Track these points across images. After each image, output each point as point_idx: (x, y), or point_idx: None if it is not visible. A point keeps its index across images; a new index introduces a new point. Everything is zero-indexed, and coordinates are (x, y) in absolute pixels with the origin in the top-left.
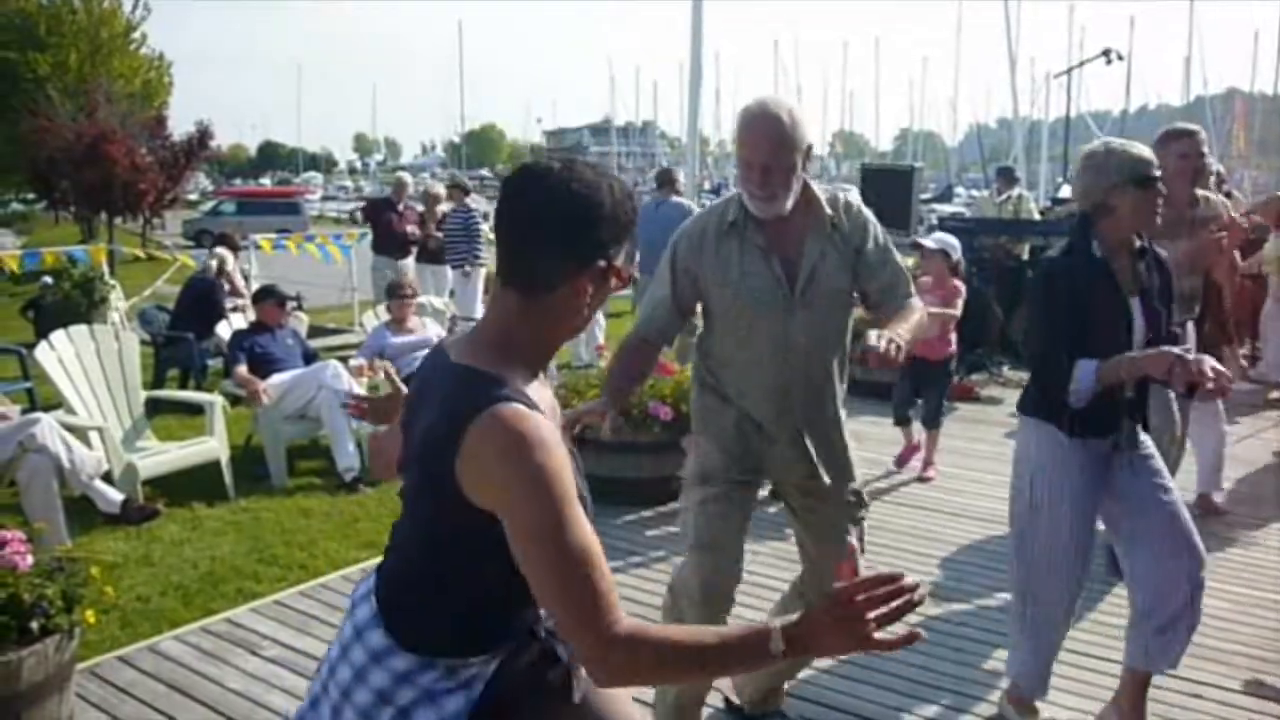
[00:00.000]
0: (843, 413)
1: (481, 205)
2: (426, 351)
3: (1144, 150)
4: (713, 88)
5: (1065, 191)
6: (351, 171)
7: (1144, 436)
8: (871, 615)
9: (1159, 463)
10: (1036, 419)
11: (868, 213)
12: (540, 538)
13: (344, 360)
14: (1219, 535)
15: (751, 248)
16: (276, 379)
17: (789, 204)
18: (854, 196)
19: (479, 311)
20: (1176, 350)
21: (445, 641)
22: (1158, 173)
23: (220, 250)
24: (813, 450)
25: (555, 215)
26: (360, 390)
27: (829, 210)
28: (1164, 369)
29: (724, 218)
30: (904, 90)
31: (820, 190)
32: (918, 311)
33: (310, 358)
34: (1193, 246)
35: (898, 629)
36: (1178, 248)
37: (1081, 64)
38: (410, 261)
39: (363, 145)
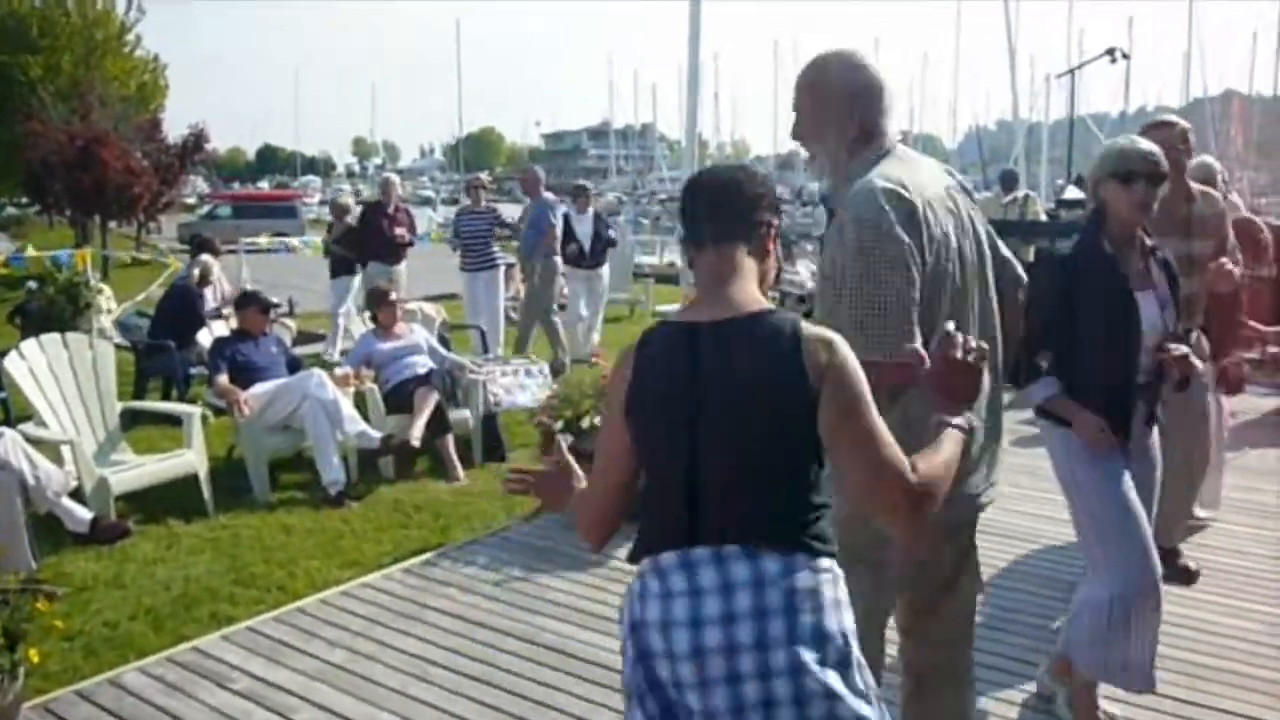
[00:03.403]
0: None
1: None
2: (416, 357)
3: (1134, 146)
4: (711, 90)
5: (1070, 193)
6: (350, 175)
7: (1155, 439)
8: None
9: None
10: (1051, 422)
11: (859, 209)
12: (872, 407)
13: (331, 368)
14: (1212, 546)
15: None
16: (259, 389)
17: (825, 164)
18: None
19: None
20: (1102, 424)
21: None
22: (1143, 168)
23: (204, 258)
24: None
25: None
26: (346, 400)
27: None
28: (1085, 433)
29: None
30: (904, 92)
31: (862, 181)
32: None
33: (295, 366)
34: (1205, 283)
35: None
36: (1169, 245)
37: (1085, 64)
38: (403, 266)
39: (361, 148)
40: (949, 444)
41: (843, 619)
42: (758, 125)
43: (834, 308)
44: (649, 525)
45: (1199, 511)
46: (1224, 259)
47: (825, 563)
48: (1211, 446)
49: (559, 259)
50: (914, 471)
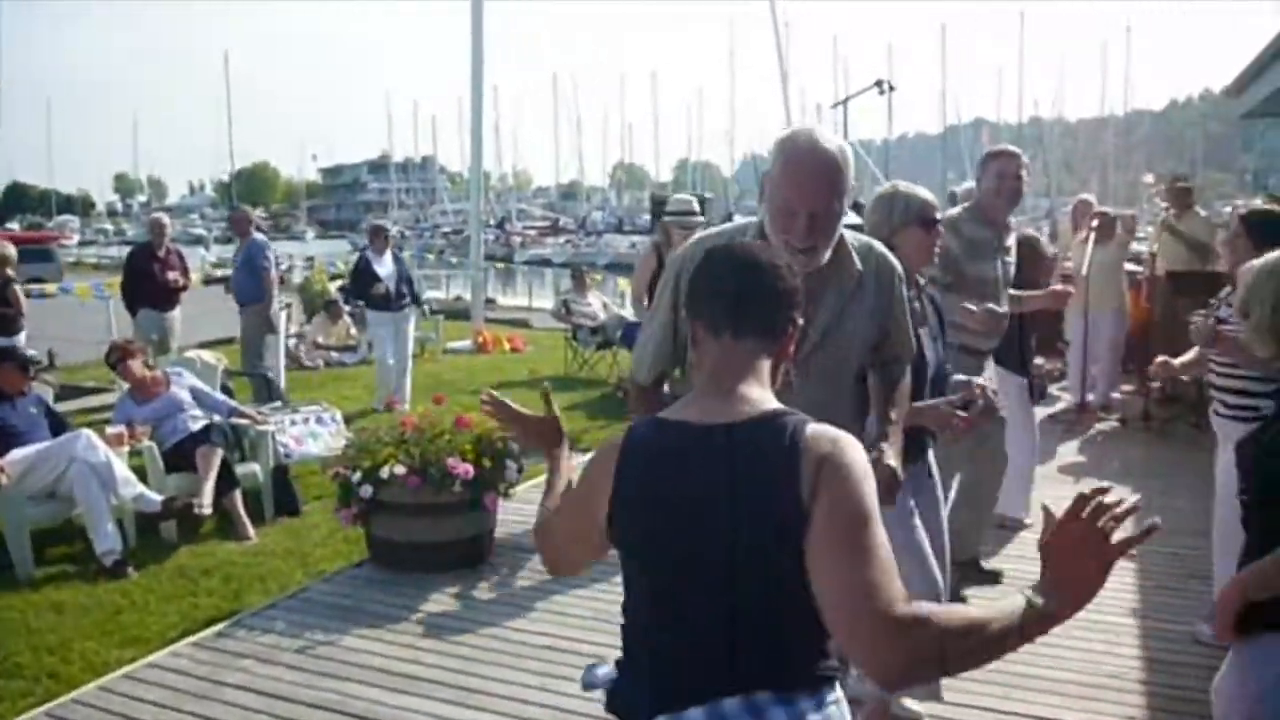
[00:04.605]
0: None
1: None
2: (184, 414)
3: (928, 194)
4: (492, 122)
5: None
6: (112, 214)
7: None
8: (1104, 524)
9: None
10: None
11: (899, 268)
12: (870, 514)
13: (101, 426)
14: (1014, 555)
15: None
16: (18, 454)
17: (827, 256)
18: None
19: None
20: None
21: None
22: (936, 214)
23: None
24: None
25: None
26: (120, 461)
27: (859, 263)
28: (942, 422)
29: None
30: (682, 122)
31: (852, 237)
32: (905, 391)
33: (59, 428)
34: (1044, 300)
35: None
36: (989, 268)
37: (856, 94)
38: (177, 312)
39: (124, 185)
40: (1000, 614)
41: None
42: (539, 157)
43: None
44: (659, 668)
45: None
46: (1056, 284)
47: (839, 690)
48: (1028, 455)
49: (277, 301)
50: (910, 605)
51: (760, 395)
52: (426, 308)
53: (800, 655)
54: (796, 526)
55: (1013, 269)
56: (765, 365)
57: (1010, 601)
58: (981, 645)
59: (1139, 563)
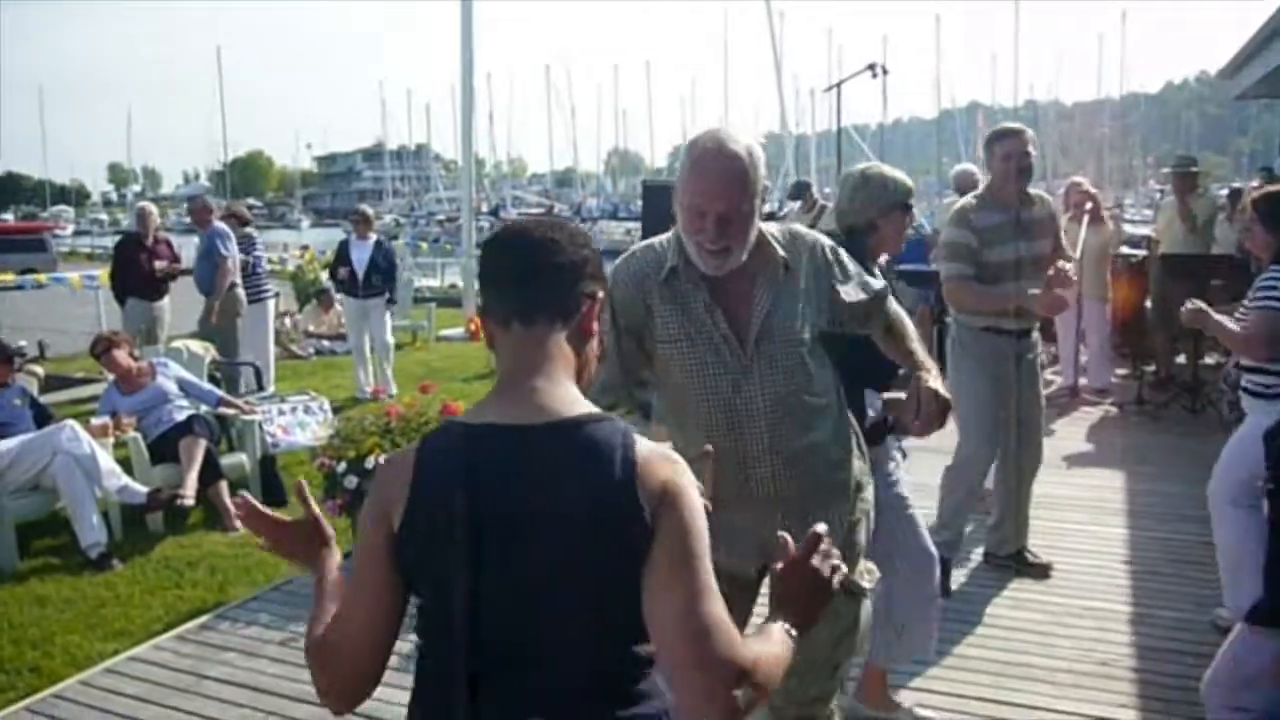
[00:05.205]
0: (859, 474)
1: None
2: (169, 405)
3: (905, 176)
4: (486, 109)
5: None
6: (107, 204)
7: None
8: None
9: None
10: None
11: (820, 239)
12: (704, 545)
13: (89, 418)
14: (1073, 549)
15: (693, 302)
16: (1, 446)
17: (744, 256)
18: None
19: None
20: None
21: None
22: (913, 201)
23: None
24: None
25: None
26: (105, 453)
27: (781, 250)
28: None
29: (660, 262)
30: (676, 108)
31: (768, 228)
32: (903, 321)
33: (43, 419)
34: (1045, 302)
35: None
36: (1009, 251)
37: (850, 78)
38: (166, 302)
39: (118, 175)
40: (782, 643)
41: None
42: (534, 144)
43: None
44: (425, 710)
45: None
46: (1061, 261)
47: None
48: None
49: (241, 291)
50: (744, 647)
51: (566, 393)
52: (408, 298)
53: (590, 693)
54: (628, 551)
55: (1047, 243)
56: (565, 350)
57: (775, 625)
58: (779, 677)
59: (1130, 549)
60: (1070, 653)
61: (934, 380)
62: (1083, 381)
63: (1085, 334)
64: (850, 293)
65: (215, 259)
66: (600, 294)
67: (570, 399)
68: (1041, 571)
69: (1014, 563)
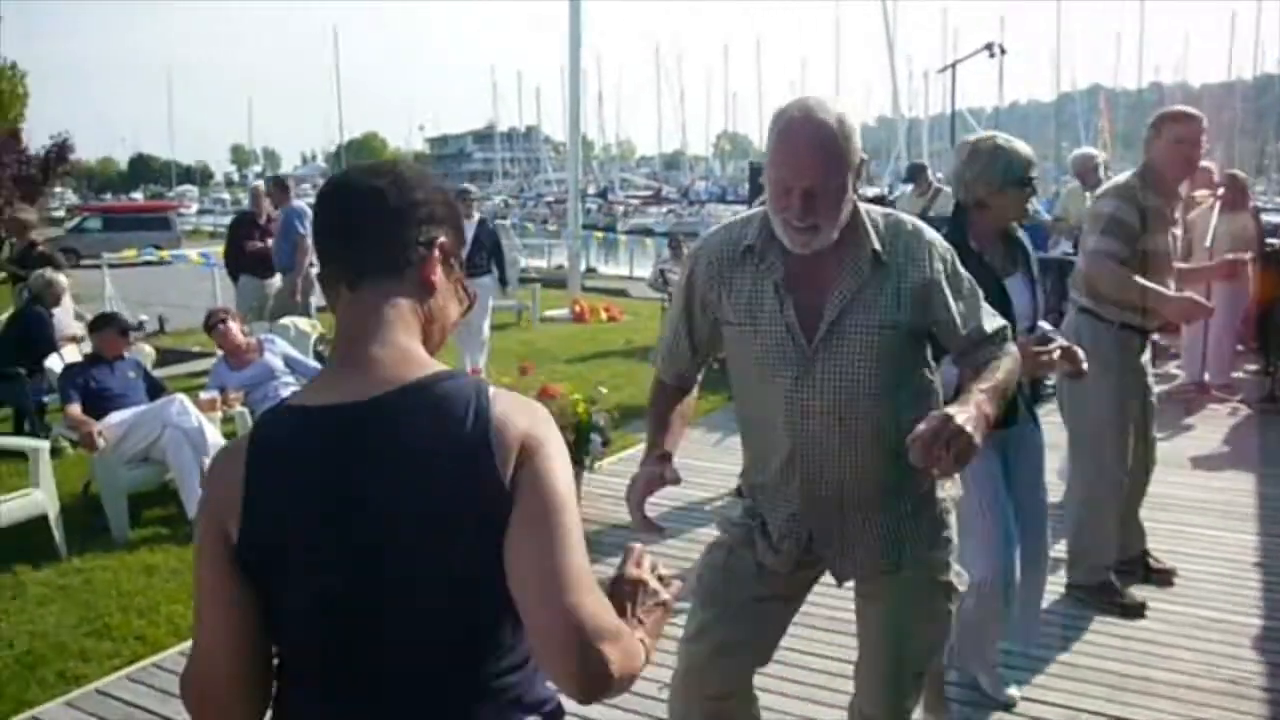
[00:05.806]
0: (935, 480)
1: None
2: (275, 381)
3: (1027, 150)
4: (595, 90)
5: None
6: (229, 184)
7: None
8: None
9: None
10: None
11: (933, 236)
12: (570, 497)
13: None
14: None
15: (764, 285)
16: (115, 417)
17: (834, 235)
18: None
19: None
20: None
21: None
22: (1035, 174)
23: (48, 275)
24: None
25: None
26: (213, 427)
27: (875, 240)
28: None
29: (740, 238)
30: (785, 91)
31: (870, 211)
32: (1009, 360)
33: (156, 391)
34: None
35: None
36: (1164, 241)
37: (965, 58)
38: (277, 280)
39: (240, 157)
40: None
41: None
42: (643, 126)
43: None
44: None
45: None
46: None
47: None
48: None
49: (315, 269)
50: (609, 609)
51: (405, 355)
52: (515, 277)
53: (458, 690)
54: (498, 511)
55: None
56: (403, 310)
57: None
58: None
59: (1263, 559)
60: (1194, 667)
61: (963, 419)
62: (1206, 376)
63: (1212, 325)
64: (951, 318)
65: (294, 237)
66: (443, 239)
67: (411, 360)
68: (1165, 578)
69: (1136, 568)
